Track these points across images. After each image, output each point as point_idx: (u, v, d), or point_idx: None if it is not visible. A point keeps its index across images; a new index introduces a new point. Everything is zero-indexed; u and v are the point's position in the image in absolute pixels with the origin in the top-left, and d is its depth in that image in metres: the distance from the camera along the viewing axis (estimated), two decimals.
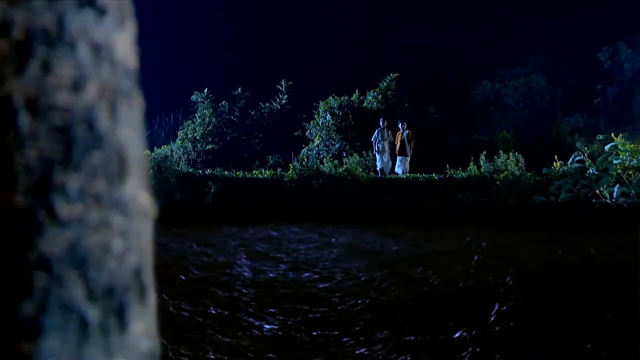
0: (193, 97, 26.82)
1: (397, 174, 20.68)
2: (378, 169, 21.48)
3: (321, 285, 7.17)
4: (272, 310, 6.14)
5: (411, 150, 21.53)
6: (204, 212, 15.34)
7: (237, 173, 19.24)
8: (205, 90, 26.69)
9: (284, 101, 28.16)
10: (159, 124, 30.62)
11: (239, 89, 27.93)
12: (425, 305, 6.24)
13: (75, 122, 0.63)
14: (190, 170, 19.84)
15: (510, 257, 8.97)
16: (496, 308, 5.87)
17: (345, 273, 8.01)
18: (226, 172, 19.31)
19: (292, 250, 9.95)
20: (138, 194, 0.68)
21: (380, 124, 22.19)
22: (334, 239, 11.32)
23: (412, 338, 5.19)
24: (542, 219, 14.02)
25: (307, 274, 7.77)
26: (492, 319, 5.61)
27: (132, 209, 0.67)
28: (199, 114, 26.51)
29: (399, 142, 21.60)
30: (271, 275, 7.86)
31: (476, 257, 8.86)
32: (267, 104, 28.36)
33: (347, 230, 12.70)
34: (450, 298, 6.47)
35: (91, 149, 0.64)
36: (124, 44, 0.69)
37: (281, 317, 5.89)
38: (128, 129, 0.68)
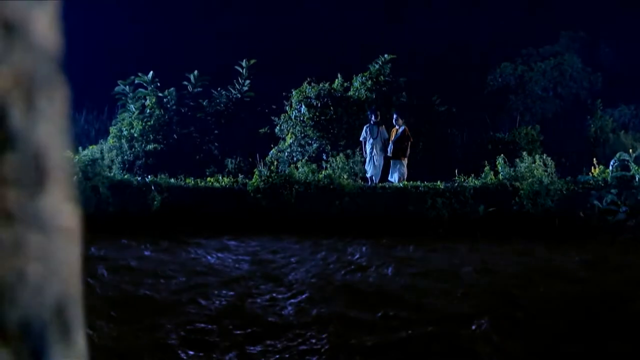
0: (118, 88, 26.48)
1: (391, 182, 20.55)
2: (367, 175, 21.35)
3: None
4: None
5: (408, 152, 21.36)
6: (144, 230, 15.25)
7: (187, 180, 19.14)
8: (151, 74, 26.28)
9: (245, 87, 27.84)
10: (87, 119, 30.38)
11: (195, 71, 27.55)
12: None
13: None
14: (126, 177, 19.71)
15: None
16: None
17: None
18: (172, 180, 19.20)
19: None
20: (60, 207, 0.68)
21: (371, 118, 22.03)
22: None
23: None
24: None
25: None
26: None
27: (53, 226, 0.67)
28: (136, 105, 26.18)
29: (391, 141, 21.40)
30: None
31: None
32: (223, 91, 27.97)
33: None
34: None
35: (2, 151, 0.64)
36: (43, 22, 0.69)
37: None
38: (48, 126, 0.68)
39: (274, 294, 9.20)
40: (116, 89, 26.57)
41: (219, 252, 13.15)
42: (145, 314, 7.95)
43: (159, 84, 26.47)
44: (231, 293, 9.30)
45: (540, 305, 8.25)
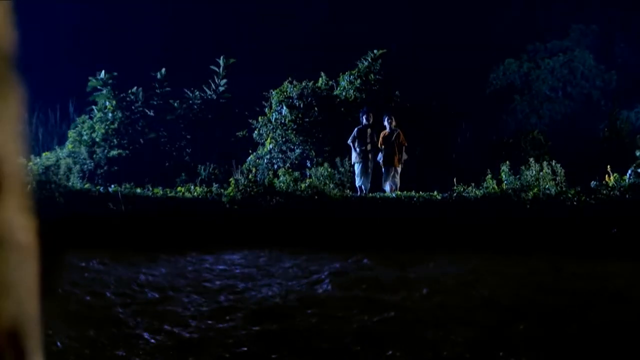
0: (90, 84, 26.41)
1: (385, 190, 20.47)
2: (357, 185, 21.18)
3: None
4: None
5: (403, 158, 21.24)
6: (102, 244, 15.18)
7: (155, 191, 19.07)
8: (103, 73, 26.09)
9: (221, 88, 27.75)
10: (42, 121, 30.25)
11: (162, 69, 27.42)
12: None
13: None
14: (87, 186, 19.62)
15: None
16: None
17: None
18: (139, 190, 19.13)
19: None
20: (15, 221, 0.68)
21: (362, 120, 21.81)
22: None
23: None
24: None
25: None
26: None
27: (7, 241, 0.67)
28: (98, 106, 26.05)
29: (383, 146, 21.33)
30: None
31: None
32: (197, 92, 27.87)
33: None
34: None
35: None
36: None
37: None
38: (3, 131, 0.68)
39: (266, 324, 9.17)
40: (89, 84, 26.37)
41: (214, 268, 13.12)
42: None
43: (113, 82, 26.22)
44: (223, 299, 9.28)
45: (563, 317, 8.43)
